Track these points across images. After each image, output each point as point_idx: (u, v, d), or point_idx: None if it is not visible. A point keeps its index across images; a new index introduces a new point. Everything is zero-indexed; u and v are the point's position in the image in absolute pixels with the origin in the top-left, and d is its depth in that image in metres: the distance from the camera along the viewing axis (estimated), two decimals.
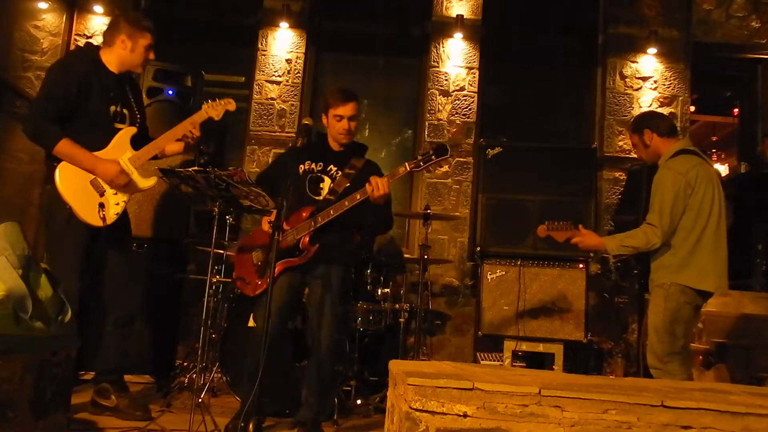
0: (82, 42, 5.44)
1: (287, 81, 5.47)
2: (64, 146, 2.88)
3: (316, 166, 3.17)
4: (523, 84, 6.00)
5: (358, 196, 2.92)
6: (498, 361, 4.26)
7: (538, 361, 4.25)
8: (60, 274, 2.48)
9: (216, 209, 3.12)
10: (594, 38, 5.74)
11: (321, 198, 3.09)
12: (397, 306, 3.96)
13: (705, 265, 2.99)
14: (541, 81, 5.90)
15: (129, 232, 3.28)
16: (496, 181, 4.41)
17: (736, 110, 6.64)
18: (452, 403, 1.57)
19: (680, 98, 5.48)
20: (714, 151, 7.86)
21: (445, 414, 1.57)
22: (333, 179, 3.13)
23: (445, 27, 5.51)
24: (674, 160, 3.08)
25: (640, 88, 5.50)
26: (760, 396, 1.78)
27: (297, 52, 5.50)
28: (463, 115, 5.44)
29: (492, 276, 4.27)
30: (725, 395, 1.75)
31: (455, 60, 5.49)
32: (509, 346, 4.18)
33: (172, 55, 3.70)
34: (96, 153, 2.96)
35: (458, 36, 5.45)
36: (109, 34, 3.12)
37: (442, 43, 5.51)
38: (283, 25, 5.46)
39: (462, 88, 5.46)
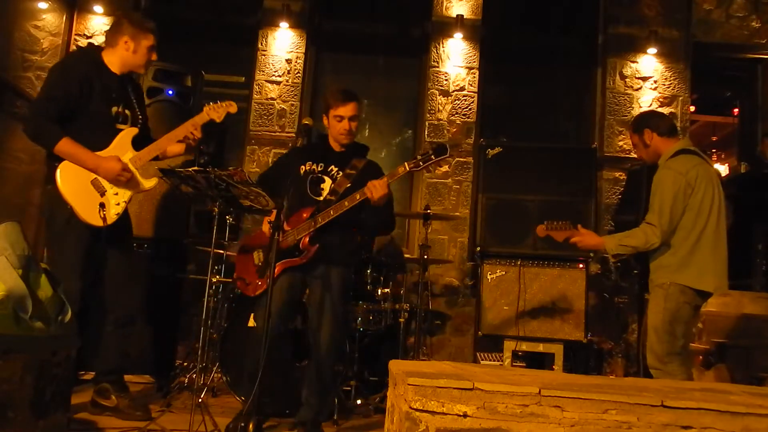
0: (82, 42, 5.45)
1: (287, 81, 5.47)
2: (65, 145, 2.88)
3: (317, 166, 3.17)
4: (523, 84, 6.00)
5: (358, 197, 2.92)
6: (498, 361, 4.26)
7: (538, 361, 4.25)
8: (60, 274, 2.48)
9: (216, 209, 3.12)
10: (594, 38, 5.74)
11: (322, 199, 3.09)
12: (397, 306, 3.96)
13: (705, 265, 2.99)
14: (541, 81, 5.90)
15: (130, 232, 3.28)
16: (496, 181, 4.41)
17: (736, 110, 6.64)
18: (452, 403, 1.57)
19: (680, 98, 5.49)
20: (714, 151, 7.86)
21: (445, 414, 1.57)
22: (334, 180, 3.13)
23: (445, 27, 5.51)
24: (674, 160, 3.08)
25: (640, 88, 5.50)
26: (760, 396, 1.78)
27: (297, 52, 5.50)
28: (463, 115, 5.44)
29: (492, 276, 4.27)
30: (725, 395, 1.75)
31: (455, 60, 5.49)
32: (509, 346, 4.18)
33: (172, 55, 3.70)
34: (97, 153, 2.96)
35: (458, 36, 5.45)
36: (112, 34, 3.12)
37: (442, 43, 5.51)
38: (283, 25, 5.46)
39: (462, 88, 5.47)
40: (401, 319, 3.94)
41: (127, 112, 3.12)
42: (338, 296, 3.05)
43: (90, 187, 2.94)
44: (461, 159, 5.38)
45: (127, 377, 3.30)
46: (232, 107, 3.20)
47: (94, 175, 2.95)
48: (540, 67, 5.87)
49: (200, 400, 2.90)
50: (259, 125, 5.42)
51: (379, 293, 4.01)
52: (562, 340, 4.15)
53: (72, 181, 2.92)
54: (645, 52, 5.49)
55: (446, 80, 5.47)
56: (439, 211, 5.11)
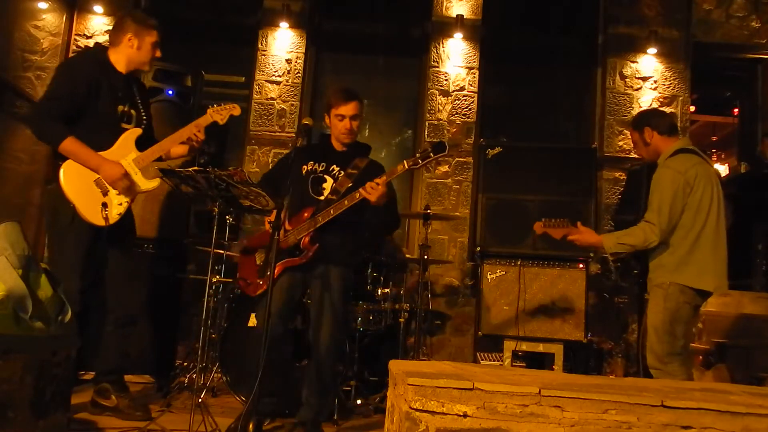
0: (82, 42, 5.45)
1: (287, 81, 5.47)
2: (70, 144, 2.89)
3: (318, 166, 3.17)
4: (523, 84, 6.00)
5: (358, 195, 2.92)
6: (498, 361, 4.26)
7: (538, 361, 4.25)
8: (61, 274, 2.49)
9: (216, 209, 3.12)
10: (594, 38, 5.74)
11: (323, 198, 3.09)
12: (397, 306, 3.96)
13: (704, 264, 2.98)
14: (541, 81, 5.90)
15: (132, 232, 3.29)
16: (496, 181, 4.41)
17: (736, 110, 6.64)
18: (452, 403, 1.57)
19: (680, 98, 5.49)
20: (714, 151, 7.86)
21: (445, 414, 1.57)
22: (335, 179, 3.13)
23: (445, 27, 5.51)
24: (673, 159, 3.09)
25: (640, 88, 5.51)
26: (760, 396, 1.78)
27: (297, 52, 5.50)
28: (463, 115, 5.44)
29: (492, 276, 4.27)
30: (725, 395, 1.75)
31: (455, 60, 5.49)
32: (509, 346, 4.18)
33: (172, 55, 3.70)
34: (101, 153, 2.97)
35: (458, 36, 5.45)
36: (115, 33, 3.14)
37: (442, 43, 5.51)
38: (283, 25, 5.46)
39: (462, 88, 5.47)
40: (401, 319, 3.94)
41: (132, 111, 3.13)
42: (338, 296, 3.05)
43: (93, 187, 2.95)
44: (461, 159, 5.38)
45: (127, 377, 3.30)
46: (236, 110, 3.22)
47: (98, 175, 2.96)
48: (540, 67, 5.87)
49: (200, 400, 2.90)
50: (259, 125, 5.42)
51: (379, 293, 4.01)
52: (562, 340, 4.15)
53: (75, 180, 2.93)
54: (645, 52, 5.49)
55: (446, 80, 5.47)
56: (439, 211, 5.11)
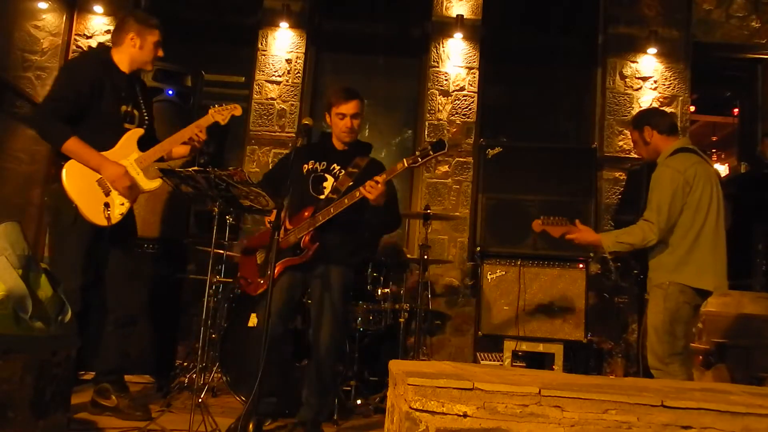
0: (82, 42, 5.45)
1: (287, 81, 5.47)
2: (73, 144, 2.90)
3: (319, 165, 3.17)
4: (523, 84, 6.00)
5: (357, 194, 2.91)
6: (498, 361, 4.25)
7: (538, 361, 4.24)
8: (61, 273, 2.49)
9: (216, 209, 3.13)
10: (594, 38, 5.74)
11: (323, 197, 3.09)
12: (397, 306, 3.96)
13: (704, 263, 2.98)
14: (541, 81, 5.90)
15: (134, 232, 3.29)
16: (496, 181, 4.41)
17: (736, 110, 6.64)
18: (452, 403, 1.57)
19: (680, 98, 5.49)
20: (714, 151, 7.86)
21: (445, 414, 1.56)
22: (336, 178, 3.13)
23: (445, 27, 5.51)
24: (673, 158, 3.09)
25: (640, 88, 5.51)
26: (760, 396, 1.78)
27: (297, 52, 5.50)
28: (463, 115, 5.44)
29: (492, 276, 4.27)
30: (725, 395, 1.75)
31: (455, 60, 5.49)
32: (509, 346, 4.18)
33: (172, 55, 3.70)
34: (103, 153, 2.98)
35: (458, 36, 5.45)
36: (117, 33, 3.15)
37: (442, 43, 5.51)
38: (283, 25, 5.47)
39: (462, 88, 5.47)
40: (401, 319, 3.94)
41: (135, 111, 3.14)
42: (338, 296, 3.05)
43: (95, 187, 2.96)
44: (461, 159, 5.38)
45: (127, 377, 3.30)
46: (237, 110, 3.23)
47: (100, 175, 2.96)
48: (540, 67, 5.87)
49: (200, 400, 2.89)
50: (259, 125, 5.42)
51: (379, 293, 4.01)
52: (562, 340, 4.15)
53: (77, 180, 2.93)
54: (645, 52, 5.49)
55: (446, 80, 5.47)
56: (439, 211, 5.11)
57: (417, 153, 2.92)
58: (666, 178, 3.02)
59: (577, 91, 5.85)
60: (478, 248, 4.35)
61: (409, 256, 4.93)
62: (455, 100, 5.45)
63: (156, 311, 3.98)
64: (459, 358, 5.03)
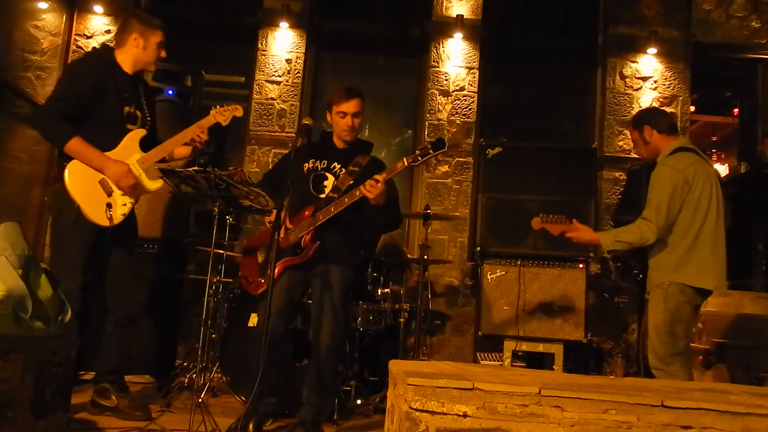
0: (81, 42, 5.45)
1: (287, 81, 5.47)
2: (76, 144, 2.91)
3: (320, 164, 3.17)
4: (523, 84, 6.00)
5: (358, 193, 2.91)
6: (498, 361, 4.25)
7: (538, 361, 4.24)
8: (61, 273, 2.49)
9: (216, 209, 3.13)
10: (594, 38, 5.74)
11: (324, 196, 3.09)
12: (397, 306, 3.96)
13: (704, 262, 2.98)
14: (541, 81, 5.90)
15: (135, 232, 3.30)
16: (496, 181, 4.41)
17: (736, 110, 6.64)
18: (452, 403, 1.57)
19: (680, 98, 5.49)
20: (714, 151, 7.86)
21: (445, 414, 1.56)
22: (337, 177, 3.12)
23: (445, 27, 5.51)
24: (672, 158, 3.09)
25: (640, 88, 5.51)
26: (760, 396, 1.78)
27: (297, 52, 5.50)
28: (463, 115, 5.44)
29: (492, 276, 4.27)
30: (725, 395, 1.75)
31: (455, 60, 5.49)
32: (509, 346, 4.18)
33: (172, 55, 3.70)
34: (105, 153, 2.98)
35: (458, 36, 5.45)
36: (120, 34, 3.17)
37: (442, 43, 5.51)
38: (283, 25, 5.46)
39: (462, 88, 5.47)
40: (401, 319, 3.94)
41: (137, 112, 3.15)
42: (338, 296, 3.05)
43: (98, 187, 2.96)
44: (461, 159, 5.38)
45: (127, 377, 3.30)
46: (239, 111, 3.24)
47: (102, 175, 2.97)
48: (540, 67, 5.86)
49: (200, 400, 2.89)
50: (259, 125, 5.42)
51: (379, 293, 4.01)
52: (562, 340, 4.15)
53: (80, 181, 2.94)
54: (645, 52, 5.49)
55: (446, 80, 5.47)
56: (439, 211, 5.11)
57: (417, 152, 2.92)
58: (665, 176, 3.02)
59: (577, 91, 5.85)
60: (478, 248, 4.35)
61: (409, 256, 4.93)
62: (455, 100, 5.45)
63: (156, 311, 3.98)
64: (459, 358, 5.03)
